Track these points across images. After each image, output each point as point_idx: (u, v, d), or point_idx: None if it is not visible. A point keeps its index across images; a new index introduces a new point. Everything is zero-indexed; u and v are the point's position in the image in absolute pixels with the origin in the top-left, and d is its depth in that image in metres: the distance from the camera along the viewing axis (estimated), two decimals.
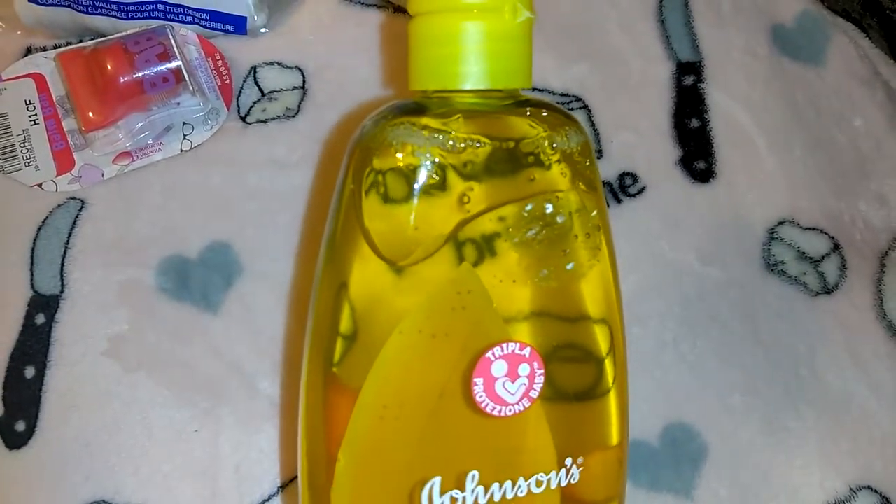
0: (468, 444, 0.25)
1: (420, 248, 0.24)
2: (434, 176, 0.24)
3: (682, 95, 0.41)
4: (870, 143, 0.41)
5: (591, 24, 0.41)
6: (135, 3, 0.40)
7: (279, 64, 0.41)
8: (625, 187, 0.39)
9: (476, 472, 0.24)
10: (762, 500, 0.35)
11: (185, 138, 0.39)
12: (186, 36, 0.40)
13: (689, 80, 0.41)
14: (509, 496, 0.24)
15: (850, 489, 0.35)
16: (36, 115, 0.39)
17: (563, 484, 0.25)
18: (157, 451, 0.35)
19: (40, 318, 0.36)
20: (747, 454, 0.36)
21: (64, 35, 0.41)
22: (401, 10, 0.42)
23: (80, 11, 0.40)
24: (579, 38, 0.41)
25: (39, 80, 0.39)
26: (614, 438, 0.27)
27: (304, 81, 0.41)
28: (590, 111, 0.40)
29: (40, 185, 0.38)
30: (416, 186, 0.24)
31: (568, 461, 0.25)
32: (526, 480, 0.24)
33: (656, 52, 0.41)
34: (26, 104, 0.39)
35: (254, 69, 0.41)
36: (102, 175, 0.38)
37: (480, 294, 0.24)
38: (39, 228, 0.37)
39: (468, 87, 0.25)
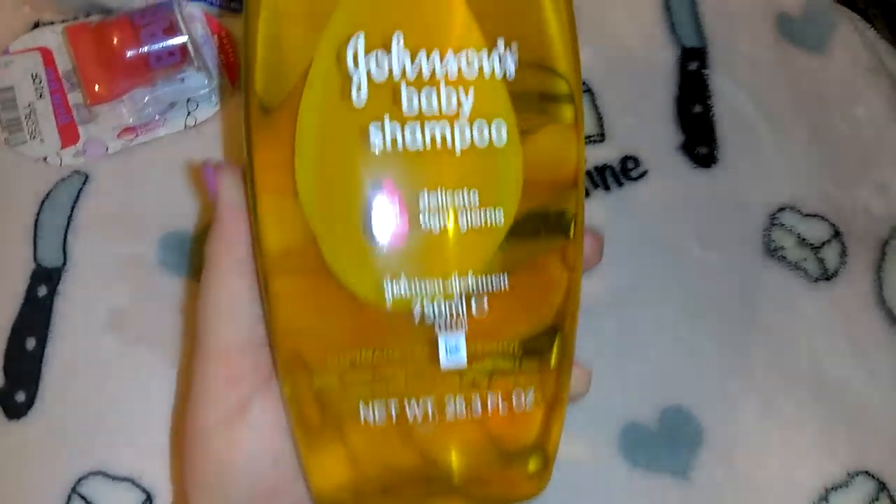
0: (393, 12, 0.23)
1: None
2: None
3: (686, 81, 0.41)
4: (872, 132, 0.41)
5: (596, 9, 0.42)
6: None
7: None
8: (626, 171, 0.39)
9: (401, 33, 0.22)
10: (759, 483, 0.35)
11: (189, 114, 0.39)
12: (193, 13, 0.40)
13: (693, 66, 0.41)
14: (439, 71, 0.22)
15: (847, 474, 0.35)
16: (42, 88, 0.39)
17: (498, 73, 0.23)
18: (155, 422, 0.35)
19: (42, 291, 0.36)
20: (744, 438, 0.36)
21: (72, 11, 0.41)
22: None
23: None
24: (584, 23, 0.41)
25: (46, 53, 0.39)
26: (562, 66, 0.25)
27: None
28: (593, 95, 0.40)
29: (45, 159, 0.38)
30: None
31: (500, 43, 0.23)
32: (455, 54, 0.22)
33: (661, 37, 0.42)
34: (33, 77, 0.39)
35: None
36: (107, 149, 0.38)
37: None
38: (43, 201, 0.38)
39: None
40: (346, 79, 0.22)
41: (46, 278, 0.37)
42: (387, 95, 0.22)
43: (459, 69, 0.22)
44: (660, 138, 0.40)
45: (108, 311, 0.36)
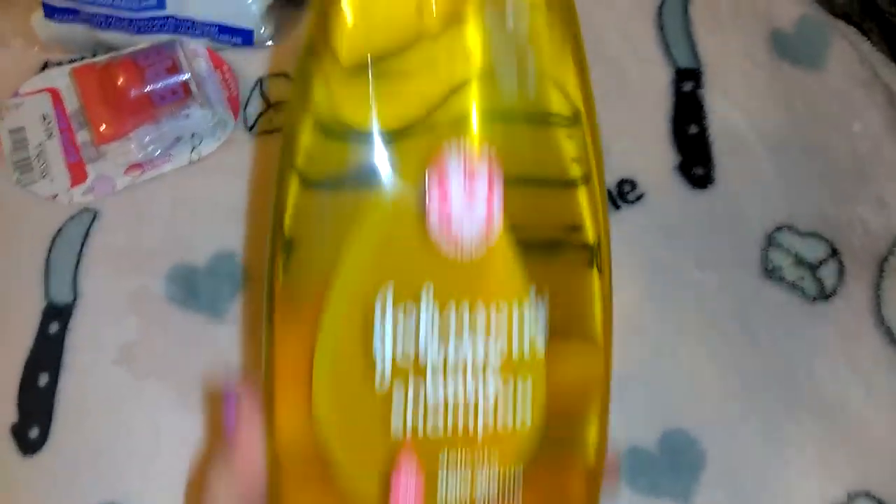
0: (423, 271, 0.22)
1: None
2: None
3: (681, 101, 0.41)
4: (869, 148, 0.41)
5: (590, 31, 0.41)
6: (146, 19, 0.41)
7: (285, 75, 0.42)
8: (623, 194, 0.40)
9: (431, 285, 0.22)
10: None
11: (193, 149, 0.40)
12: (196, 49, 0.41)
13: (687, 87, 0.41)
14: (467, 326, 0.22)
15: (848, 495, 0.36)
16: (51, 128, 0.40)
17: (528, 329, 0.22)
18: (166, 455, 0.36)
19: (54, 327, 0.37)
20: (745, 460, 0.36)
21: (79, 49, 0.43)
22: None
23: (94, 27, 0.41)
24: None
25: (55, 94, 0.41)
26: (597, 330, 0.25)
27: None
28: None
29: (55, 197, 0.39)
30: None
31: (532, 296, 0.23)
32: (485, 306, 0.22)
33: (655, 58, 0.42)
34: (42, 118, 0.40)
35: (260, 81, 0.42)
36: (114, 186, 0.39)
37: None
38: (54, 239, 0.39)
39: None
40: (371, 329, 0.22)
41: (58, 314, 0.38)
42: (410, 349, 0.22)
43: (488, 323, 0.22)
44: (656, 160, 0.40)
45: (118, 346, 0.37)
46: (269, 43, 0.43)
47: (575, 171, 0.24)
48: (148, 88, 0.38)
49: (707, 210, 0.39)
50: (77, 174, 0.39)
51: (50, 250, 0.39)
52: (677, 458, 0.36)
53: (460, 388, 0.22)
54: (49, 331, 0.37)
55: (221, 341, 0.37)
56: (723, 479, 0.36)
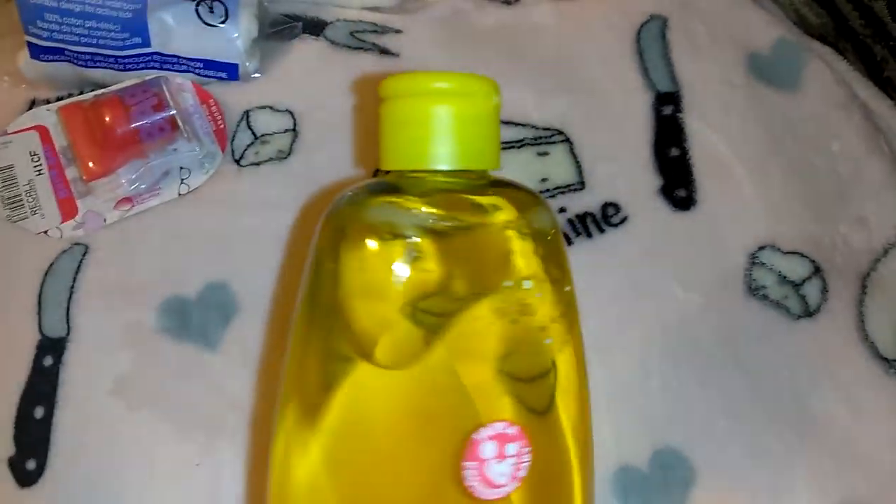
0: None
1: (405, 343, 0.24)
2: (415, 254, 0.24)
3: (662, 125, 0.42)
4: (848, 167, 0.41)
5: (570, 58, 0.43)
6: (132, 56, 0.41)
7: (271, 108, 0.43)
8: (607, 217, 0.40)
9: None
10: None
11: (182, 182, 0.41)
12: (182, 84, 0.42)
13: (667, 110, 0.42)
14: None
15: None
16: (40, 165, 0.41)
17: None
18: (161, 485, 0.36)
19: (48, 361, 0.38)
20: (734, 477, 0.37)
21: (66, 87, 0.43)
22: (387, 53, 0.44)
23: (80, 66, 0.42)
24: (559, 73, 0.42)
25: (43, 132, 0.41)
26: None
27: (294, 124, 0.42)
28: (571, 143, 0.41)
29: (46, 233, 0.40)
30: (399, 267, 0.24)
31: None
32: None
33: (635, 83, 0.43)
34: (31, 155, 0.41)
35: (246, 113, 0.43)
36: (104, 221, 0.40)
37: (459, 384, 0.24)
38: (46, 274, 0.39)
39: (441, 167, 0.26)
40: None
41: (52, 348, 0.38)
42: None
43: None
44: (639, 183, 0.41)
45: (112, 378, 0.38)
46: (255, 76, 0.43)
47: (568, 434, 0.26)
48: (134, 125, 0.39)
49: (690, 231, 0.40)
50: (67, 209, 0.40)
51: (42, 285, 0.39)
52: (668, 476, 0.37)
53: None
54: (43, 364, 0.38)
55: (215, 371, 0.38)
56: (714, 496, 0.36)
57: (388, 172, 0.28)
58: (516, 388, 0.25)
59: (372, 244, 0.25)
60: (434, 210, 0.25)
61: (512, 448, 0.23)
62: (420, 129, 0.26)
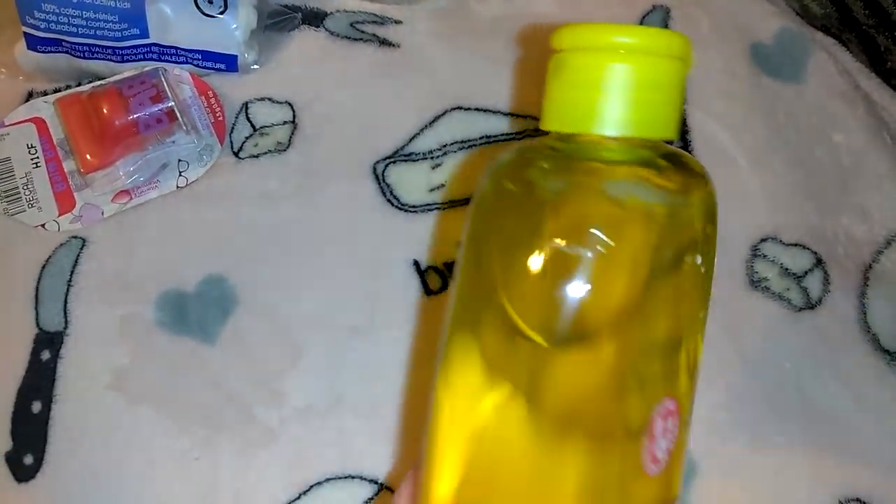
0: None
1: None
2: (608, 241, 0.22)
3: None
4: (851, 158, 0.41)
5: None
6: (129, 47, 0.41)
7: (270, 99, 0.42)
8: None
9: None
10: None
11: (180, 175, 0.40)
12: (180, 75, 0.42)
13: None
14: None
15: (839, 501, 0.36)
16: (38, 157, 0.40)
17: None
18: (160, 479, 0.36)
19: (45, 355, 0.38)
20: (736, 470, 0.36)
21: (63, 79, 0.43)
22: (387, 44, 0.43)
23: (77, 57, 0.41)
24: None
25: (40, 124, 0.41)
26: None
27: (293, 116, 0.42)
28: None
29: (43, 226, 0.39)
30: (588, 251, 0.21)
31: None
32: None
33: None
34: (28, 148, 0.40)
35: (245, 105, 0.42)
36: (102, 214, 0.40)
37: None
38: (43, 267, 0.39)
39: (615, 133, 0.23)
40: None
41: (49, 342, 0.38)
42: None
43: None
44: None
45: (110, 372, 0.37)
46: (254, 67, 0.43)
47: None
48: (132, 117, 0.38)
49: None
50: (65, 203, 0.40)
51: (40, 278, 0.39)
52: None
53: None
54: (41, 358, 0.38)
55: (213, 365, 0.38)
56: (714, 488, 0.36)
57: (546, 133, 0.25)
58: (667, 362, 0.24)
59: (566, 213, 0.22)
60: (628, 179, 0.23)
61: (671, 423, 0.23)
62: (595, 90, 0.23)
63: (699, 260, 0.24)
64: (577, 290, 0.21)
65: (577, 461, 0.22)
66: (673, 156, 0.24)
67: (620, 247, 0.22)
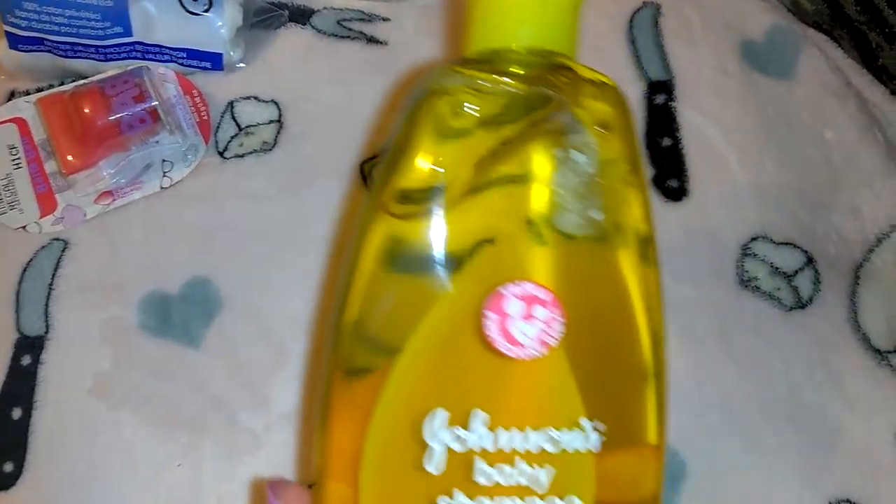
0: (476, 382, 0.24)
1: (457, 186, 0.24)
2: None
3: (654, 114, 0.41)
4: (842, 156, 0.41)
5: None
6: (113, 46, 0.40)
7: (255, 98, 0.42)
8: None
9: (480, 411, 0.23)
10: None
11: (164, 175, 0.40)
12: (165, 74, 0.41)
13: (660, 99, 0.41)
14: (520, 448, 0.23)
15: (829, 502, 0.36)
16: (19, 158, 0.40)
17: (582, 449, 0.23)
18: (142, 486, 0.35)
19: (26, 360, 0.37)
20: (726, 471, 0.36)
21: (46, 78, 0.42)
22: (374, 41, 0.43)
23: (60, 56, 0.41)
24: None
25: (21, 124, 0.40)
26: (651, 436, 0.26)
27: (279, 114, 0.41)
28: None
29: (24, 228, 0.39)
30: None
31: (584, 421, 0.23)
32: (535, 431, 0.23)
33: (627, 71, 0.42)
34: (9, 148, 0.40)
35: (231, 104, 0.42)
36: (85, 215, 0.39)
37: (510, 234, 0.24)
38: (24, 270, 0.38)
39: (522, 44, 0.25)
40: (421, 445, 0.23)
41: (30, 347, 0.37)
42: (460, 465, 0.23)
43: (541, 447, 0.23)
44: None
45: (92, 377, 0.37)
46: (240, 65, 0.42)
47: (633, 286, 0.25)
48: (115, 117, 0.38)
49: (682, 222, 0.39)
50: (46, 204, 0.39)
51: (20, 282, 0.38)
52: None
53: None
54: (21, 363, 0.37)
55: (197, 369, 0.37)
56: (704, 489, 0.36)
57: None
58: (567, 249, 0.24)
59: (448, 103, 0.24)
60: (513, 80, 0.24)
61: (541, 312, 0.23)
62: (501, 6, 0.25)
63: (576, 156, 0.24)
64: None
65: None
66: (578, 67, 0.26)
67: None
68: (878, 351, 0.38)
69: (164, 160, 0.40)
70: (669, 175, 0.40)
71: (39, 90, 0.42)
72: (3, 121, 0.40)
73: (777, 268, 0.39)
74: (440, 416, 0.23)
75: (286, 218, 0.40)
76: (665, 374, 0.26)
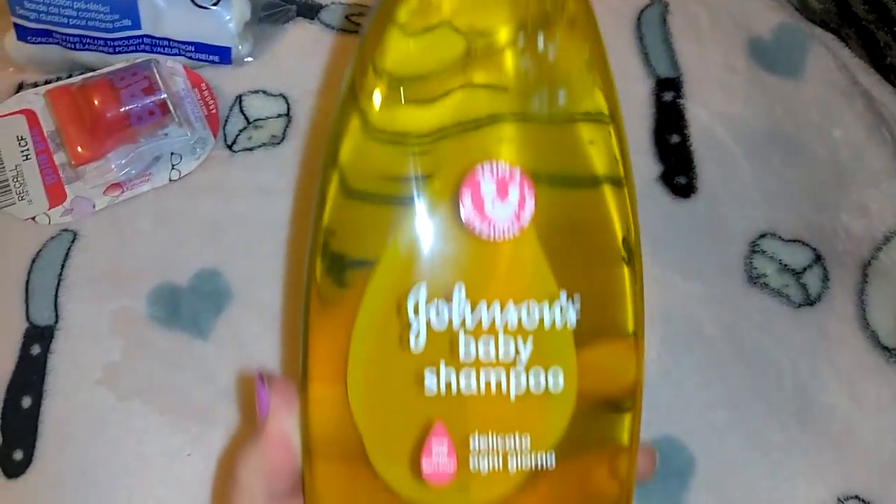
0: (457, 264, 0.24)
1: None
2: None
3: (662, 111, 0.41)
4: (849, 154, 0.41)
5: None
6: (122, 38, 0.41)
7: (264, 92, 0.42)
8: None
9: (462, 284, 0.23)
10: None
11: (173, 168, 0.40)
12: (173, 67, 0.41)
13: (668, 97, 0.41)
14: (499, 322, 0.23)
15: (837, 499, 0.36)
16: (28, 150, 0.40)
17: (559, 324, 0.23)
18: (151, 475, 0.35)
19: (36, 349, 0.37)
20: (733, 468, 0.36)
21: (54, 70, 0.42)
22: None
23: (68, 48, 0.41)
24: None
25: (30, 115, 0.40)
26: (629, 324, 0.25)
27: (288, 108, 0.41)
28: None
29: (34, 219, 0.39)
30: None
31: (562, 295, 0.23)
32: (515, 305, 0.23)
33: (635, 69, 0.42)
34: (18, 140, 0.40)
35: (239, 98, 0.42)
36: (94, 207, 0.39)
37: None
38: (34, 261, 0.38)
39: None
40: (406, 324, 0.23)
41: (39, 337, 0.37)
42: (444, 342, 0.23)
43: (519, 320, 0.23)
44: (639, 170, 0.40)
45: (101, 367, 0.37)
46: (248, 59, 0.42)
47: (602, 170, 0.25)
48: (124, 109, 0.38)
49: (690, 219, 0.40)
50: (56, 195, 0.39)
51: (30, 272, 0.38)
52: (666, 465, 0.36)
53: (493, 380, 0.23)
54: (31, 353, 0.37)
55: (206, 360, 0.37)
56: (712, 485, 0.36)
57: None
58: (535, 131, 0.24)
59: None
60: None
61: (514, 192, 0.23)
62: None
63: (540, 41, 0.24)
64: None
65: None
66: None
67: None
68: (886, 348, 0.38)
69: (172, 153, 0.40)
70: (678, 172, 0.40)
71: (48, 82, 0.42)
72: (12, 112, 0.40)
73: (786, 265, 0.39)
74: (423, 290, 0.23)
75: (294, 211, 0.40)
76: (639, 264, 0.26)
